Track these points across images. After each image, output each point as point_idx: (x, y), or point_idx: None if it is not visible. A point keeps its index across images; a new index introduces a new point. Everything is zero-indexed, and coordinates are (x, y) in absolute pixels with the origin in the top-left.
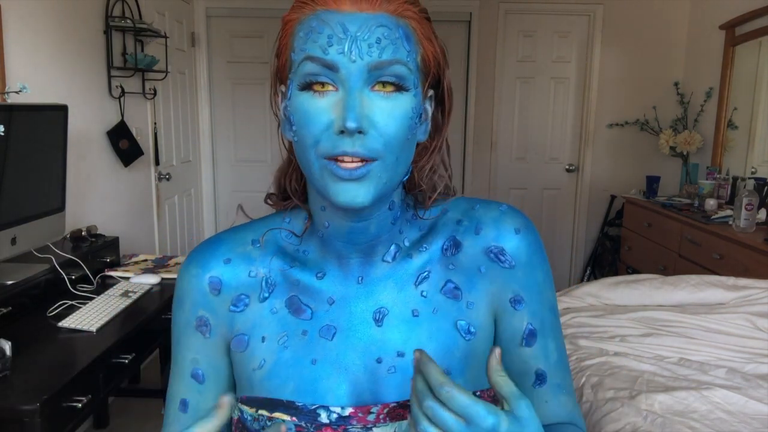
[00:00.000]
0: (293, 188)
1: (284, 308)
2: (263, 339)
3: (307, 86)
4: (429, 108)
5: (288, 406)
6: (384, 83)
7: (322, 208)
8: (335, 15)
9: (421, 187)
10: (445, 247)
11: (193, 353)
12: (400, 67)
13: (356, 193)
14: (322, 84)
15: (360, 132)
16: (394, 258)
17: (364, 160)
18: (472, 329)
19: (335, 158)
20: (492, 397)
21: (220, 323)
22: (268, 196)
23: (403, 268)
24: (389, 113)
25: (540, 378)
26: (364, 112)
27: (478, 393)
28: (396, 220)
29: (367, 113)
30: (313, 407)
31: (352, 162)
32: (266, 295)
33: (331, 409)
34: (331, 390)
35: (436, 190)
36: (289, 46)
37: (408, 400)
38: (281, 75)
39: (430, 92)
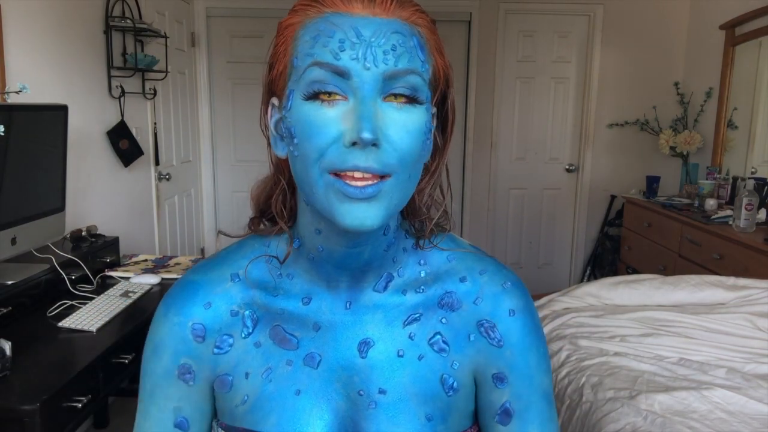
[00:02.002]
0: (279, 210)
1: (268, 340)
2: (247, 375)
3: (314, 95)
4: (432, 127)
5: None
6: (396, 95)
7: (318, 231)
8: (346, 18)
9: (421, 214)
10: (443, 300)
11: (175, 402)
12: (415, 78)
13: (366, 215)
14: (329, 93)
15: (374, 145)
16: (385, 288)
17: (376, 176)
18: (455, 386)
19: (343, 174)
20: None
21: (203, 368)
22: (252, 221)
23: (395, 302)
24: (403, 126)
25: None
26: (377, 124)
27: None
28: (389, 247)
29: (381, 125)
30: None
31: (363, 179)
32: (249, 331)
33: None
34: (313, 422)
35: (432, 216)
36: (290, 52)
37: None
38: (274, 86)
39: (433, 109)
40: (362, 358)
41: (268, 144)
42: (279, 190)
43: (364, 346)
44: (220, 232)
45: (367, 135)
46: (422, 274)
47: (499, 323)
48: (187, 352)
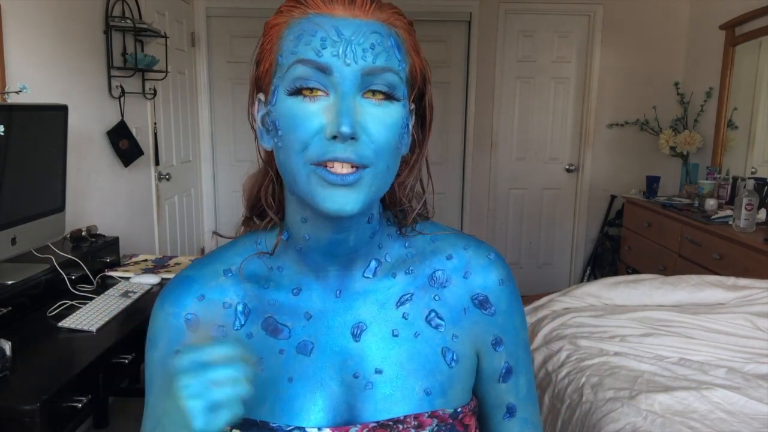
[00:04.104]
0: (269, 203)
1: (260, 331)
2: None
3: (297, 91)
4: (410, 121)
5: (262, 427)
6: (374, 91)
7: (303, 220)
8: (328, 19)
9: (402, 204)
10: (433, 277)
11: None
12: (392, 76)
13: (346, 200)
14: (311, 89)
15: (352, 138)
16: (374, 274)
17: (355, 166)
18: (456, 357)
19: (324, 164)
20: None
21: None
22: (245, 222)
23: (385, 285)
24: (381, 121)
25: (510, 411)
26: (356, 118)
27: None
28: (374, 234)
29: (359, 119)
30: (288, 429)
31: (343, 168)
32: (241, 323)
33: (308, 430)
34: (306, 407)
35: (414, 207)
36: (275, 50)
37: (389, 420)
38: (261, 83)
39: (411, 105)
40: (356, 341)
41: (255, 137)
42: (268, 181)
43: (357, 329)
44: (215, 233)
45: (345, 129)
46: (408, 256)
47: (490, 294)
48: (180, 341)
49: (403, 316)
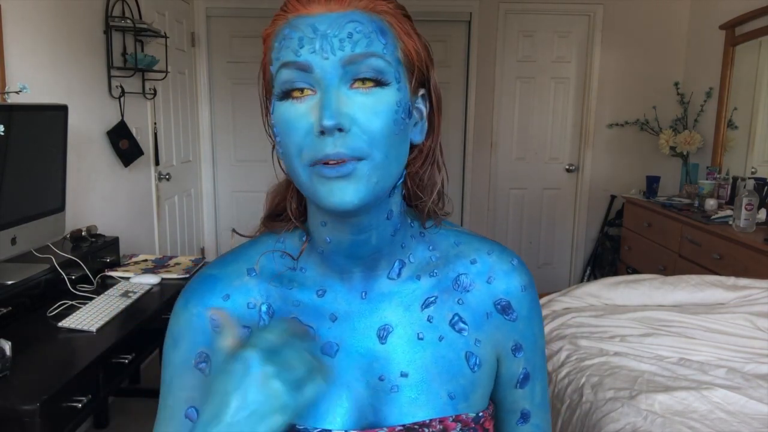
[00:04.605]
0: (293, 209)
1: None
2: None
3: (286, 95)
4: (423, 108)
5: (288, 430)
6: (363, 80)
7: (323, 223)
8: (306, 19)
9: (419, 197)
10: (457, 281)
11: (189, 391)
12: (377, 60)
13: (345, 192)
14: (301, 90)
15: (340, 130)
16: (399, 275)
17: (351, 159)
18: (479, 362)
19: (320, 163)
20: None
21: (220, 359)
22: (265, 221)
23: (410, 288)
24: (371, 109)
25: (524, 417)
26: (342, 110)
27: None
28: (396, 232)
29: (347, 111)
30: (314, 431)
31: (338, 163)
32: (266, 323)
33: None
34: (332, 410)
35: (431, 197)
36: (268, 60)
37: (414, 423)
38: (269, 95)
39: (422, 91)
40: (382, 343)
41: (273, 147)
42: (291, 190)
43: (384, 332)
44: (233, 231)
45: (327, 122)
46: (432, 259)
47: (512, 299)
48: (204, 342)
49: (428, 320)
